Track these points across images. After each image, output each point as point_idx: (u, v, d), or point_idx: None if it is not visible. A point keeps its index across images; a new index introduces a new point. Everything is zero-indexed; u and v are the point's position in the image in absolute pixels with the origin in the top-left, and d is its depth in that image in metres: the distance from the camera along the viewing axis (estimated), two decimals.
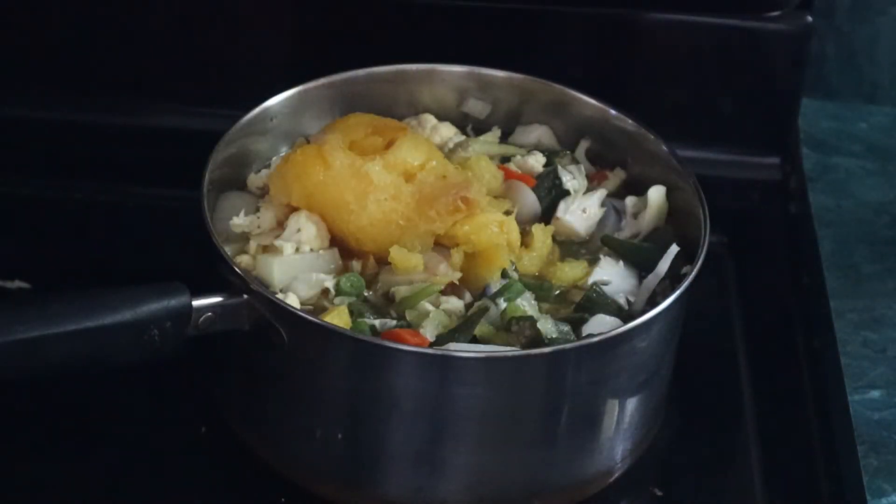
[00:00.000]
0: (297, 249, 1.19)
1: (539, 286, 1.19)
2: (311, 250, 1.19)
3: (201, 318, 1.10)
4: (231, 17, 1.49)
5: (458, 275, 1.17)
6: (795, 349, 1.35)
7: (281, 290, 1.16)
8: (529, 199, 1.25)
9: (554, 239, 1.24)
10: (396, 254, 1.16)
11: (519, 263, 1.20)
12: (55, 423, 1.22)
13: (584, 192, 1.27)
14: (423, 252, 1.18)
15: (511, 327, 1.14)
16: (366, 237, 1.18)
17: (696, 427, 1.27)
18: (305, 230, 1.19)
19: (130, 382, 1.22)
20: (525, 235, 1.22)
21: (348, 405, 1.12)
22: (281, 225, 1.21)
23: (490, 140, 1.33)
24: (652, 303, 1.17)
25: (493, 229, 1.18)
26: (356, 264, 1.19)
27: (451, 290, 1.17)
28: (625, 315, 1.17)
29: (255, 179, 1.26)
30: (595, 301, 1.18)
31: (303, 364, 1.12)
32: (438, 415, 1.11)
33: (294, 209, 1.20)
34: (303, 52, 1.49)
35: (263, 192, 1.25)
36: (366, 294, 1.17)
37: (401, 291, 1.16)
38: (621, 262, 1.22)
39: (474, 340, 1.13)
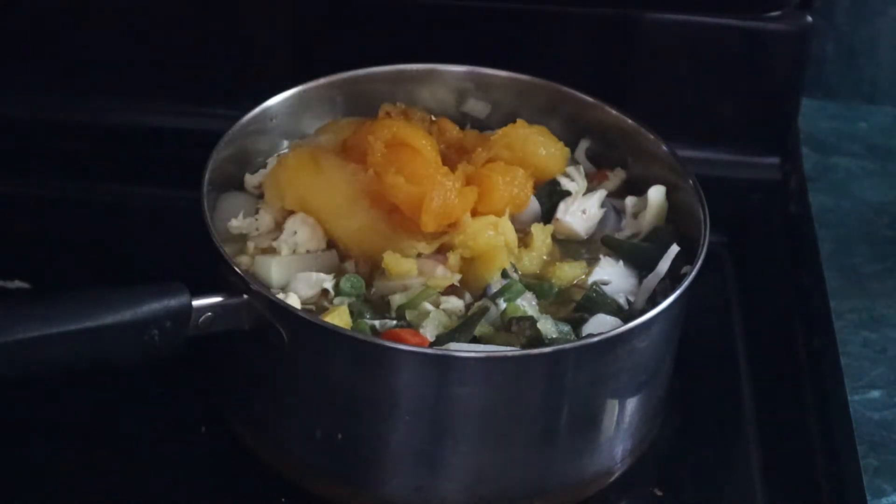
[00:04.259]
0: (294, 251, 1.19)
1: (539, 286, 1.19)
2: (308, 252, 1.19)
3: (201, 318, 1.10)
4: (231, 17, 1.49)
5: (457, 276, 1.17)
6: (795, 349, 1.34)
7: (282, 291, 1.16)
8: (531, 202, 1.25)
9: (554, 238, 1.24)
10: (389, 259, 1.16)
11: (519, 263, 1.20)
12: (55, 423, 1.22)
13: (584, 193, 1.27)
14: (421, 255, 1.18)
15: (511, 327, 1.14)
16: (352, 242, 1.18)
17: (696, 427, 1.27)
18: (301, 232, 1.19)
19: (130, 382, 1.22)
20: (525, 236, 1.22)
21: (348, 405, 1.12)
22: (279, 227, 1.21)
23: None
24: (652, 303, 1.17)
25: (489, 232, 1.18)
26: (349, 265, 1.19)
27: (451, 289, 1.17)
28: (625, 315, 1.17)
29: (251, 179, 1.27)
30: (595, 301, 1.18)
31: (303, 364, 1.12)
32: (438, 415, 1.11)
33: (291, 211, 1.21)
34: (303, 52, 1.49)
35: (261, 193, 1.25)
36: (365, 294, 1.18)
37: (396, 300, 1.16)
38: (621, 262, 1.22)
39: (474, 340, 1.13)
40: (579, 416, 1.14)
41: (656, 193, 1.26)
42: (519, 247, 1.21)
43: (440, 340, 1.13)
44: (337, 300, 1.16)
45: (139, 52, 1.50)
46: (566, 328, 1.15)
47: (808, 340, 1.34)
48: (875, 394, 1.28)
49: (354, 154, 1.21)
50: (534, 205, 1.25)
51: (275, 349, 1.11)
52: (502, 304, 1.15)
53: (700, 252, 1.16)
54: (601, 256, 1.23)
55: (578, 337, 1.15)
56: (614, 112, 1.31)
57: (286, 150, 1.29)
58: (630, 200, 1.28)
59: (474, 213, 1.19)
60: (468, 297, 1.18)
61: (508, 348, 1.12)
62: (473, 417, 1.11)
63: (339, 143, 1.24)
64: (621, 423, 1.17)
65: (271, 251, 1.20)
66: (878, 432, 1.24)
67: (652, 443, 1.23)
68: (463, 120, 1.34)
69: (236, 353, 1.17)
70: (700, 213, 1.20)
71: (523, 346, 1.13)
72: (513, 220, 1.22)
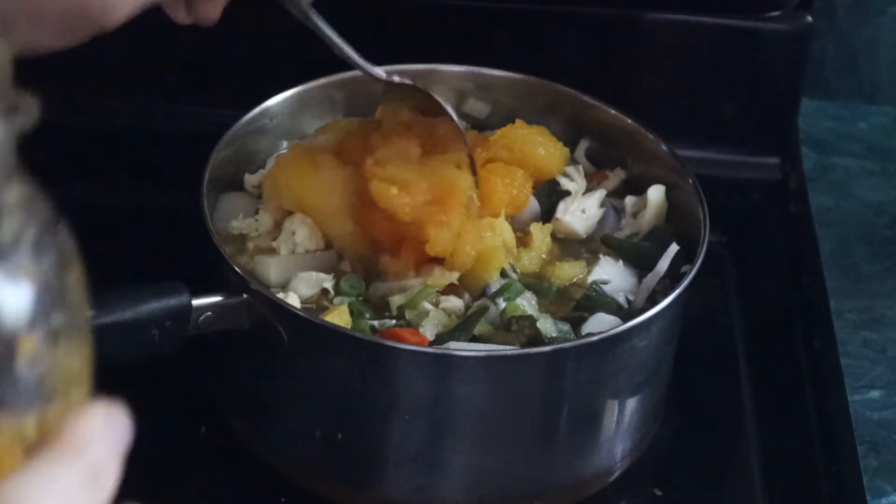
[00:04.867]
0: (293, 252, 1.19)
1: (538, 285, 1.19)
2: (307, 252, 1.19)
3: (201, 318, 1.10)
4: (231, 17, 1.49)
5: (456, 275, 1.17)
6: (795, 349, 1.34)
7: (282, 290, 1.16)
8: (530, 202, 1.25)
9: (553, 237, 1.24)
10: (385, 259, 1.16)
11: (518, 263, 1.20)
12: None
13: (584, 193, 1.27)
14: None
15: (511, 326, 1.14)
16: (346, 243, 1.18)
17: (696, 427, 1.27)
18: (300, 233, 1.19)
19: (130, 382, 1.21)
20: (524, 235, 1.22)
21: (348, 405, 1.12)
22: (279, 227, 1.21)
23: None
24: (652, 302, 1.17)
25: (487, 233, 1.18)
26: (346, 265, 1.19)
27: (451, 289, 1.17)
28: (624, 314, 1.18)
29: (250, 179, 1.27)
30: (595, 300, 1.18)
31: (303, 364, 1.12)
32: (438, 414, 1.11)
33: (291, 211, 1.21)
34: (303, 52, 1.49)
35: (261, 193, 1.25)
36: (365, 294, 1.18)
37: (395, 301, 1.16)
38: (621, 262, 1.22)
39: (474, 340, 1.13)
40: (579, 415, 1.14)
41: (656, 193, 1.26)
42: (518, 246, 1.21)
43: (440, 340, 1.13)
44: (337, 300, 1.16)
45: (139, 52, 1.50)
46: (566, 327, 1.15)
47: (808, 340, 1.34)
48: (875, 394, 1.28)
49: (351, 157, 1.21)
50: (533, 204, 1.25)
51: (275, 349, 1.11)
52: (502, 304, 1.15)
53: (700, 252, 1.16)
54: (601, 256, 1.23)
55: (578, 336, 1.15)
56: (614, 112, 1.31)
57: (286, 150, 1.29)
58: (630, 200, 1.28)
59: None
60: (467, 296, 1.18)
61: (508, 347, 1.12)
62: (473, 417, 1.11)
63: (337, 144, 1.23)
64: (621, 422, 1.17)
65: (271, 251, 1.20)
66: (878, 432, 1.24)
67: (652, 443, 1.23)
68: (463, 120, 1.34)
69: (236, 353, 1.17)
70: (700, 212, 1.20)
71: (523, 346, 1.13)
72: (512, 219, 1.22)
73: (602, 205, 1.27)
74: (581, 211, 1.26)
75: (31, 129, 0.64)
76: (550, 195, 1.27)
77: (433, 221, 1.13)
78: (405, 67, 1.33)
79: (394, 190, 1.14)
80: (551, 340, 1.13)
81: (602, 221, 1.27)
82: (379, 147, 1.18)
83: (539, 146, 1.25)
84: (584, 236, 1.26)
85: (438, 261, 1.16)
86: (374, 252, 1.17)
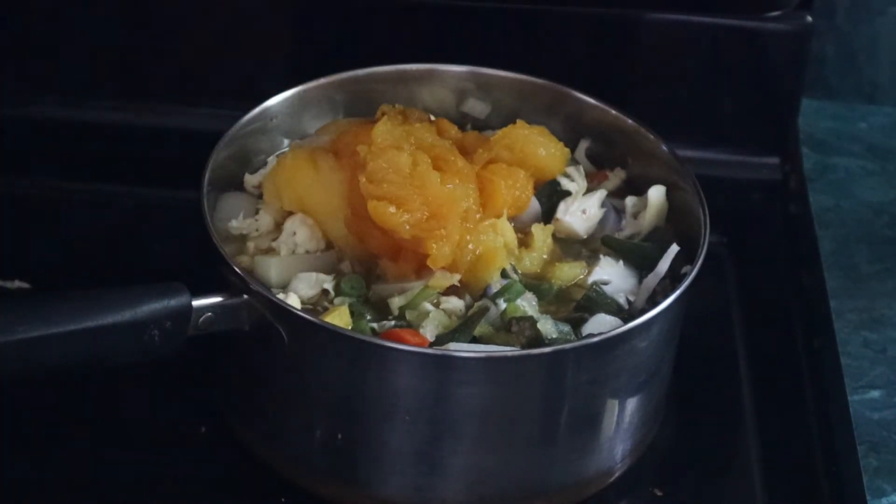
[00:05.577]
0: (293, 252, 1.19)
1: (538, 286, 1.19)
2: (307, 252, 1.19)
3: (201, 318, 1.10)
4: (231, 17, 1.49)
5: (457, 276, 1.17)
6: (795, 349, 1.35)
7: (282, 291, 1.16)
8: (531, 203, 1.25)
9: (554, 237, 1.24)
10: (385, 262, 1.16)
11: (520, 264, 1.20)
12: (55, 423, 1.22)
13: (585, 193, 1.27)
14: None
15: (511, 327, 1.14)
16: (347, 243, 1.18)
17: (696, 427, 1.27)
18: (300, 233, 1.19)
19: (130, 382, 1.22)
20: (525, 236, 1.22)
21: (348, 405, 1.12)
22: (279, 227, 1.21)
23: None
24: (652, 302, 1.18)
25: (488, 234, 1.18)
26: (346, 265, 1.19)
27: (452, 290, 1.17)
28: (625, 315, 1.18)
29: (251, 179, 1.27)
30: (595, 301, 1.18)
31: (303, 364, 1.12)
32: (438, 415, 1.11)
33: (291, 212, 1.21)
34: (303, 52, 1.49)
35: (261, 193, 1.25)
36: (366, 295, 1.18)
37: (395, 302, 1.16)
38: (621, 262, 1.22)
39: (474, 340, 1.13)
40: (579, 416, 1.14)
41: (656, 193, 1.26)
42: (519, 247, 1.21)
43: (440, 340, 1.13)
44: (337, 301, 1.16)
45: (139, 52, 1.50)
46: (566, 328, 1.15)
47: (808, 340, 1.34)
48: (875, 394, 1.28)
49: (346, 159, 1.21)
50: (534, 205, 1.25)
51: (275, 349, 1.11)
52: (502, 305, 1.15)
53: (700, 252, 1.16)
54: (601, 256, 1.23)
55: (578, 337, 1.15)
56: (614, 112, 1.31)
57: (286, 150, 1.29)
58: (630, 200, 1.28)
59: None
60: (468, 297, 1.18)
61: (508, 348, 1.12)
62: (473, 417, 1.11)
63: (331, 143, 1.23)
64: (621, 423, 1.17)
65: (271, 251, 1.20)
66: (878, 432, 1.24)
67: (652, 443, 1.23)
68: (463, 120, 1.34)
69: (236, 353, 1.17)
70: (700, 213, 1.20)
71: (523, 346, 1.13)
72: (513, 220, 1.22)
73: (602, 205, 1.27)
74: (581, 211, 1.26)
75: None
76: (551, 195, 1.27)
77: (433, 237, 1.14)
78: (405, 67, 1.33)
79: (392, 208, 1.14)
80: (552, 341, 1.13)
81: (602, 222, 1.27)
82: (368, 153, 1.17)
83: (540, 146, 1.25)
84: (585, 237, 1.26)
85: None
86: (374, 255, 1.18)
